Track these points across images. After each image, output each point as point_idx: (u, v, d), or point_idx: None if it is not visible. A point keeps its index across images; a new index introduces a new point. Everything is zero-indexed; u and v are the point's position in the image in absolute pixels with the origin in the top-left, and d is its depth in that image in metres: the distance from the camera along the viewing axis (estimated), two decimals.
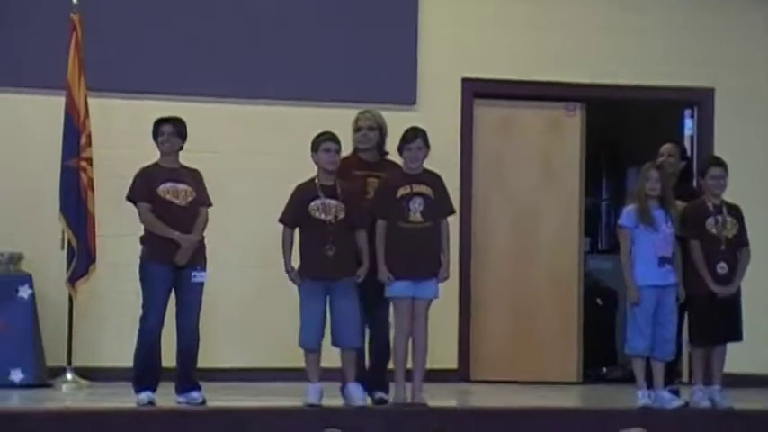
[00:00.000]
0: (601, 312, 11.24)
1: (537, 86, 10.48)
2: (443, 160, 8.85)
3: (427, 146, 7.92)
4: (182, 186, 7.92)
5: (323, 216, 7.73)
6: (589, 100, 10.65)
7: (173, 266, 7.81)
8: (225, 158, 9.75)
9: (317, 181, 7.81)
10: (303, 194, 7.78)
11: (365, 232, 7.80)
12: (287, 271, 7.74)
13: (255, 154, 9.94)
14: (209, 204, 8.03)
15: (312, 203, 7.74)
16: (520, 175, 10.57)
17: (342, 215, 7.75)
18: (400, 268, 7.87)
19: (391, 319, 7.98)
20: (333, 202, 7.74)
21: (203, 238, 7.96)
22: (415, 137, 7.87)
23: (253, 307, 9.88)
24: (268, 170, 9.72)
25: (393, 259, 7.84)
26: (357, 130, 8.11)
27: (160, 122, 7.99)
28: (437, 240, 7.87)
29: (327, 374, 7.94)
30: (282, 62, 9.99)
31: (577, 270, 10.66)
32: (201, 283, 7.97)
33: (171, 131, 7.90)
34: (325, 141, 7.79)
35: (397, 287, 7.91)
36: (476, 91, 10.44)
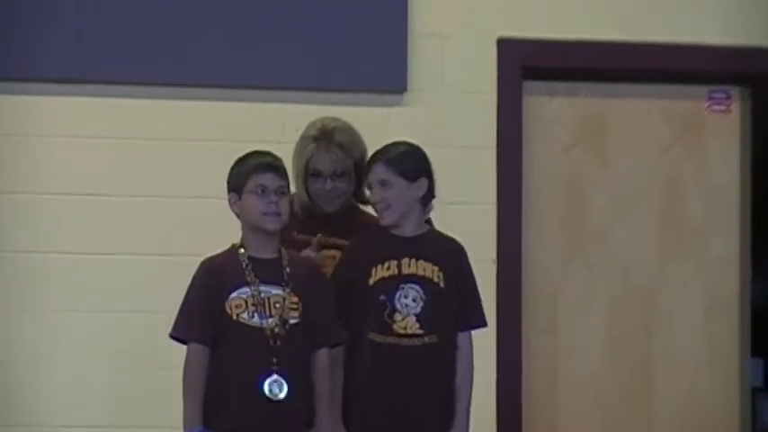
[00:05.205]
0: None
1: (649, 54, 7.34)
2: (462, 200, 6.86)
3: (427, 175, 5.57)
4: None
5: (257, 321, 5.43)
6: (755, 80, 7.46)
7: None
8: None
9: (242, 251, 5.53)
10: (215, 279, 5.54)
11: (330, 353, 5.49)
12: None
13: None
14: None
15: (234, 296, 5.48)
16: (621, 229, 7.49)
17: (295, 318, 5.46)
18: (371, 427, 5.41)
19: None
20: (276, 291, 5.40)
21: None
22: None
23: None
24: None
25: (357, 408, 5.50)
26: (313, 174, 5.60)
27: None
28: (446, 373, 5.62)
29: None
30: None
31: None
32: None
33: None
34: (257, 171, 5.47)
35: None
36: (526, 64, 7.18)
